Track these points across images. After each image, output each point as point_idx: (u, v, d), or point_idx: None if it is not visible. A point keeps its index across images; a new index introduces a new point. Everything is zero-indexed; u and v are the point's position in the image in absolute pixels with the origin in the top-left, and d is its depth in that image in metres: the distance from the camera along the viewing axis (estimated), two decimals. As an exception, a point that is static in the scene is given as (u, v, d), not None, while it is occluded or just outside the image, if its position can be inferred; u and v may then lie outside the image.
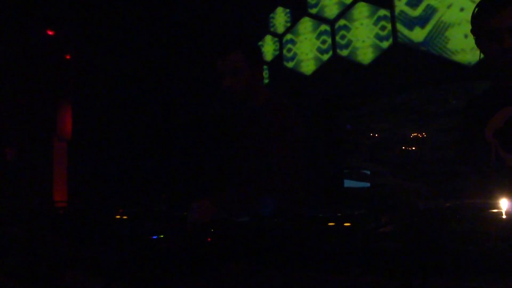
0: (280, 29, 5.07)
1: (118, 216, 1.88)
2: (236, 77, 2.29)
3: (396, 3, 4.05)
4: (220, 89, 2.39)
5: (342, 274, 0.96)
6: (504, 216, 1.02)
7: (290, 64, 4.94)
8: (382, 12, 4.17)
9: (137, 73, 5.62)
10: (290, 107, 2.38)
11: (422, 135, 3.91)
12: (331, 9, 4.60)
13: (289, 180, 2.19)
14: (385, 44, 4.12)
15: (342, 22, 4.49)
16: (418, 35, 3.89)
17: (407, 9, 3.98)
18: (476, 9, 1.78)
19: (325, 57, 4.61)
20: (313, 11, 4.76)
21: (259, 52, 2.52)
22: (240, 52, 2.32)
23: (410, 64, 3.95)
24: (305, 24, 4.83)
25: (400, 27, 4.02)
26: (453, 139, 2.01)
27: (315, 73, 4.71)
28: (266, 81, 5.12)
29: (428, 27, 3.83)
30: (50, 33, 5.44)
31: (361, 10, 4.34)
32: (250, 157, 2.36)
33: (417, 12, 3.90)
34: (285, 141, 2.24)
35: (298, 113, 2.38)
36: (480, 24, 1.75)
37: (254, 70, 2.36)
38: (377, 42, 4.18)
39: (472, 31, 1.81)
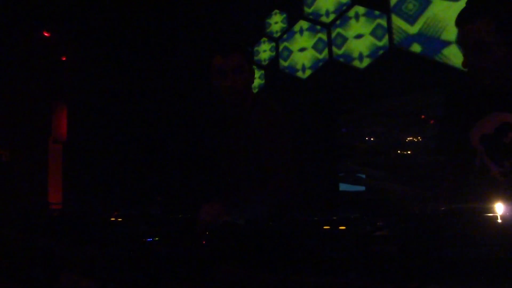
0: (277, 32, 5.08)
1: (113, 219, 1.88)
2: (238, 76, 2.31)
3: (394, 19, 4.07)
4: (213, 89, 2.39)
5: (337, 278, 0.96)
6: (499, 220, 1.03)
7: (286, 68, 4.94)
8: (378, 16, 4.18)
9: (133, 75, 5.61)
10: (278, 108, 2.40)
11: (418, 139, 3.92)
12: (327, 13, 4.61)
13: (287, 180, 2.21)
14: (381, 48, 4.13)
15: (338, 25, 4.50)
16: (414, 44, 3.91)
17: (403, 24, 4.00)
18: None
19: (321, 60, 4.62)
20: (310, 14, 4.77)
21: (252, 56, 2.57)
22: (242, 53, 2.36)
23: (406, 68, 3.96)
24: (301, 28, 4.84)
25: (396, 30, 4.03)
26: (437, 133, 1.94)
27: (311, 76, 4.72)
28: (261, 83, 5.12)
29: (422, 29, 3.84)
30: (46, 34, 5.43)
31: (358, 14, 4.35)
32: (244, 158, 2.38)
33: (414, 29, 3.92)
34: (278, 141, 2.27)
35: (286, 114, 2.40)
36: (457, 33, 1.71)
37: (250, 73, 2.39)
38: (373, 46, 4.18)
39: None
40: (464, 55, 1.67)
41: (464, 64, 1.68)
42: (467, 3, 1.68)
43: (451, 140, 1.79)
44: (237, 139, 2.42)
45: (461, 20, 1.64)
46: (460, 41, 1.66)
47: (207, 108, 2.59)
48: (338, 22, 4.51)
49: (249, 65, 2.39)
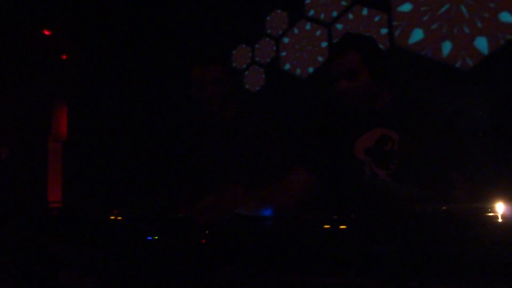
0: (277, 31, 5.08)
1: (112, 217, 1.87)
2: (217, 87, 2.42)
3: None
4: (194, 99, 2.46)
5: (337, 277, 0.96)
6: (500, 220, 1.03)
7: (286, 67, 4.94)
8: (379, 15, 4.17)
9: (133, 74, 5.61)
10: (262, 115, 2.55)
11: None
12: (328, 12, 4.60)
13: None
14: (382, 48, 4.13)
15: (339, 25, 4.49)
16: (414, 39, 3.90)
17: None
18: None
19: (322, 60, 4.62)
20: (310, 14, 4.77)
21: (231, 68, 2.69)
22: (220, 65, 2.48)
23: (406, 67, 3.95)
24: (302, 27, 4.84)
25: (397, 31, 4.03)
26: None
27: (311, 76, 4.72)
28: (262, 82, 5.12)
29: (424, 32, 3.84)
30: (47, 33, 5.43)
31: (358, 14, 4.34)
32: (230, 163, 2.44)
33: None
34: (265, 148, 2.34)
35: (269, 118, 2.55)
36: (328, 66, 2.06)
37: (229, 84, 2.50)
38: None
39: None
40: (335, 84, 2.01)
41: (336, 92, 2.02)
42: (337, 42, 2.08)
43: (337, 157, 2.11)
44: (222, 147, 2.48)
45: (334, 54, 2.02)
46: (333, 72, 2.00)
47: (197, 115, 2.68)
48: (339, 21, 4.51)
49: (227, 77, 2.48)
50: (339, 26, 4.49)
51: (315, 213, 1.80)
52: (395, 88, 2.18)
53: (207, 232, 1.41)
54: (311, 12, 4.77)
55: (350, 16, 4.41)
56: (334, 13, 4.55)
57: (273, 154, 2.39)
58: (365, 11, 4.30)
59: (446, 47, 3.72)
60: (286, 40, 4.99)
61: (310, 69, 4.72)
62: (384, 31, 4.13)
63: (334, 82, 2.02)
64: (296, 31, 4.89)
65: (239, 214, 1.67)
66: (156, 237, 1.53)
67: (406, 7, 4.00)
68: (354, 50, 1.97)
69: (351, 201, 1.99)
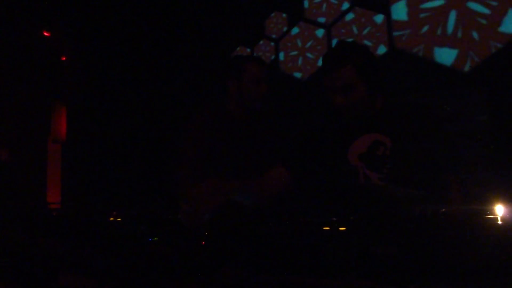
0: (276, 33, 5.08)
1: (111, 218, 1.87)
2: (263, 85, 2.59)
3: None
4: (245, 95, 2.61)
5: (337, 279, 0.96)
6: (499, 222, 1.03)
7: (286, 69, 4.94)
8: (379, 17, 4.18)
9: (132, 75, 5.61)
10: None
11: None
12: (327, 14, 4.61)
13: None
14: (381, 50, 4.14)
15: (338, 27, 4.50)
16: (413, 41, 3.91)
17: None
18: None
19: (321, 62, 4.62)
20: (309, 16, 4.77)
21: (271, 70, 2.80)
22: (262, 64, 2.66)
23: (405, 70, 3.96)
24: (301, 29, 4.84)
25: (396, 33, 4.03)
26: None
27: (311, 78, 4.71)
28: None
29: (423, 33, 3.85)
30: (46, 34, 5.43)
31: (358, 15, 4.35)
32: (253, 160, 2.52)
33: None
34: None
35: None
36: (323, 77, 2.05)
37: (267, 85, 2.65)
38: (373, 47, 4.19)
39: None
40: (330, 97, 2.00)
41: (331, 103, 2.01)
42: (331, 54, 2.08)
43: (331, 163, 2.12)
44: (246, 143, 2.59)
45: (329, 68, 2.00)
46: (328, 86, 2.00)
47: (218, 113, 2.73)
48: (338, 23, 4.51)
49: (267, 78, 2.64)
50: (338, 29, 4.49)
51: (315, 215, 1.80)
52: (389, 91, 2.17)
53: (206, 233, 1.41)
54: (310, 14, 4.77)
55: (349, 17, 4.41)
56: (333, 15, 4.55)
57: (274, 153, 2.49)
58: (364, 13, 4.31)
59: (446, 50, 3.72)
60: (285, 41, 4.99)
61: (308, 69, 4.73)
62: (380, 34, 4.13)
63: (330, 94, 2.02)
64: (295, 31, 4.89)
65: (234, 201, 1.70)
66: (155, 238, 1.53)
67: (403, 11, 4.01)
68: (349, 64, 1.95)
69: (350, 204, 2.00)
